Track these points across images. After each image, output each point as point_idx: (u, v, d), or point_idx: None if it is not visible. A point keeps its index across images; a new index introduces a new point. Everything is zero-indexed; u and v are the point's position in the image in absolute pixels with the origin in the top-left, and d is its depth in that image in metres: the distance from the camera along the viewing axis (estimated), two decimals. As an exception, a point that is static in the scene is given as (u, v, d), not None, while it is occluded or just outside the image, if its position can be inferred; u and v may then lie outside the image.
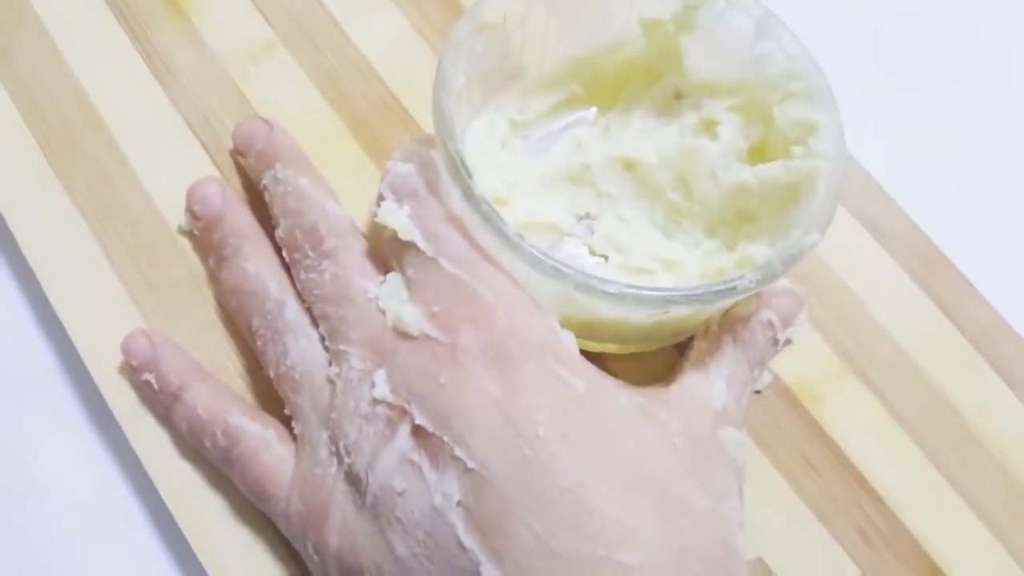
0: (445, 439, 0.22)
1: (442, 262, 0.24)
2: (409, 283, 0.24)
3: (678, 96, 0.31)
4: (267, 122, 0.30)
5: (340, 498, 0.24)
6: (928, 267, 0.32)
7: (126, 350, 0.27)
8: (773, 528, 0.28)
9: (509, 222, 0.24)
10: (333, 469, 0.24)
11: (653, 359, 0.29)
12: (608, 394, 0.24)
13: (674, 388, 0.26)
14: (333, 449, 0.24)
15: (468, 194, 0.24)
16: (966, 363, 0.31)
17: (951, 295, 0.32)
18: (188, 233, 0.29)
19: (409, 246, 0.24)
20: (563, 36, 0.30)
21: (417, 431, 0.23)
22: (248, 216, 0.28)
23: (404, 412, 0.23)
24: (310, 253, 0.26)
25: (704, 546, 0.22)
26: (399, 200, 0.25)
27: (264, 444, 0.25)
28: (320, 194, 0.27)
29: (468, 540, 0.21)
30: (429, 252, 0.24)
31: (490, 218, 0.24)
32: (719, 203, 0.29)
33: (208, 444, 0.26)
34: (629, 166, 0.30)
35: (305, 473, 0.25)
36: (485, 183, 0.29)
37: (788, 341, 0.30)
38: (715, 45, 0.29)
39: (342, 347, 0.25)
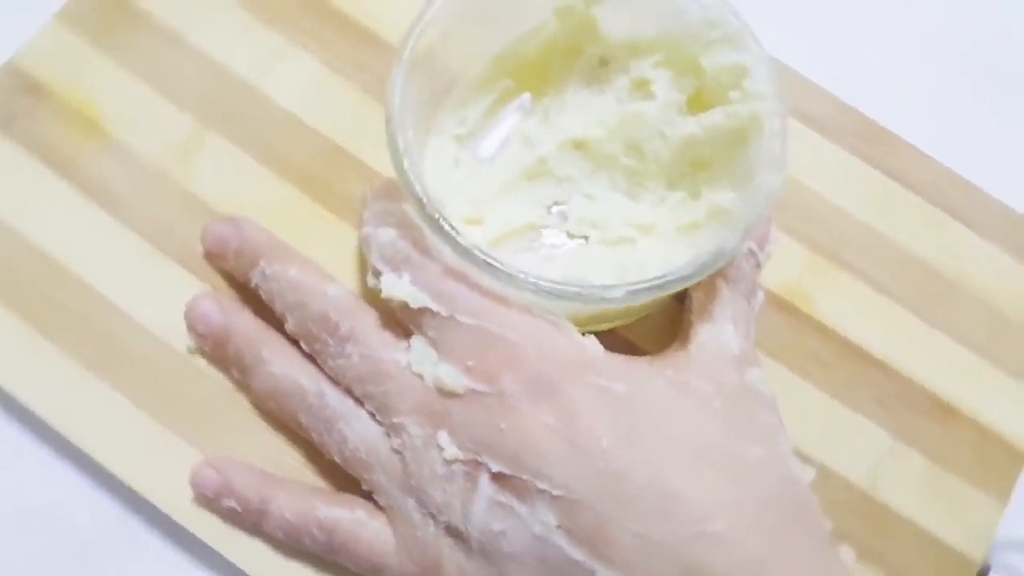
0: (524, 477, 0.24)
1: (459, 318, 0.25)
2: (434, 343, 0.26)
3: (603, 63, 0.31)
4: (231, 220, 0.30)
5: (448, 551, 0.25)
6: (866, 140, 0.34)
7: (196, 484, 0.28)
8: (806, 426, 0.31)
9: (503, 258, 0.25)
10: (432, 528, 0.26)
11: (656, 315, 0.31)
12: (644, 384, 0.26)
13: (692, 348, 0.27)
14: (424, 511, 0.26)
15: (460, 250, 0.25)
16: (926, 219, 0.34)
17: (895, 161, 0.34)
18: (199, 351, 0.30)
19: (423, 311, 0.26)
20: (483, 38, 0.30)
21: (496, 477, 0.24)
22: (252, 320, 0.29)
23: (478, 463, 0.25)
24: (330, 341, 0.27)
25: (771, 490, 0.25)
26: (395, 270, 0.26)
27: (359, 525, 0.27)
28: (315, 280, 0.28)
29: (577, 554, 0.24)
30: (444, 312, 0.25)
31: (487, 265, 0.25)
32: (672, 157, 0.30)
33: (308, 542, 0.27)
34: (579, 145, 0.31)
35: (407, 537, 0.26)
36: (454, 209, 0.30)
37: (768, 257, 0.32)
38: (626, 5, 0.30)
39: (395, 420, 0.26)
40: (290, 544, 0.28)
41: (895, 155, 0.34)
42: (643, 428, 0.25)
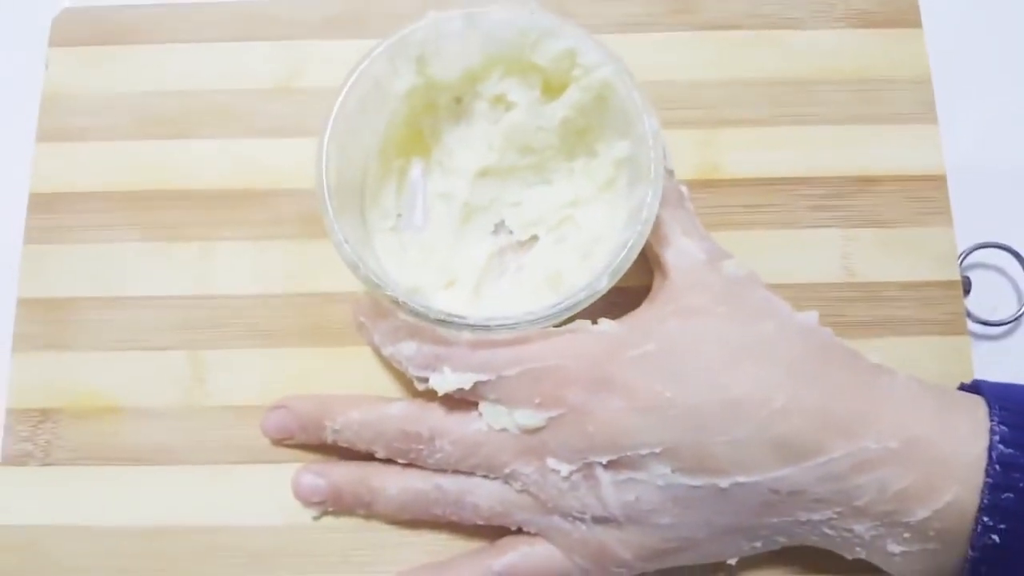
0: (628, 454, 0.29)
1: (505, 373, 0.30)
2: (499, 401, 0.30)
3: (458, 101, 0.35)
4: (279, 407, 0.34)
5: (605, 535, 0.30)
6: (678, 12, 0.39)
7: None
8: (776, 264, 0.36)
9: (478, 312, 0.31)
10: (584, 526, 0.30)
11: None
12: (662, 331, 0.30)
13: (672, 275, 0.31)
14: (570, 518, 0.31)
15: (454, 330, 0.30)
16: (755, 41, 0.38)
17: (706, 14, 0.39)
18: (324, 513, 0.34)
19: (475, 386, 0.30)
20: (364, 144, 0.34)
21: (608, 465, 0.30)
22: (349, 466, 0.33)
23: (589, 465, 0.30)
24: (420, 447, 0.32)
25: (797, 348, 0.30)
26: (435, 370, 0.31)
27: (529, 557, 0.31)
28: (377, 411, 0.32)
29: (697, 481, 0.29)
30: (491, 376, 0.30)
31: (479, 329, 0.30)
32: (559, 138, 0.35)
33: None
34: (484, 173, 0.35)
35: (568, 543, 0.31)
36: (429, 283, 0.34)
37: (670, 161, 0.35)
38: (448, 52, 0.33)
39: (507, 471, 0.31)
40: None
41: (703, 9, 0.39)
42: (684, 365, 0.30)
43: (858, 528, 0.29)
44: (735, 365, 0.30)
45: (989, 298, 0.38)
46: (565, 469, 0.30)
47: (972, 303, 0.37)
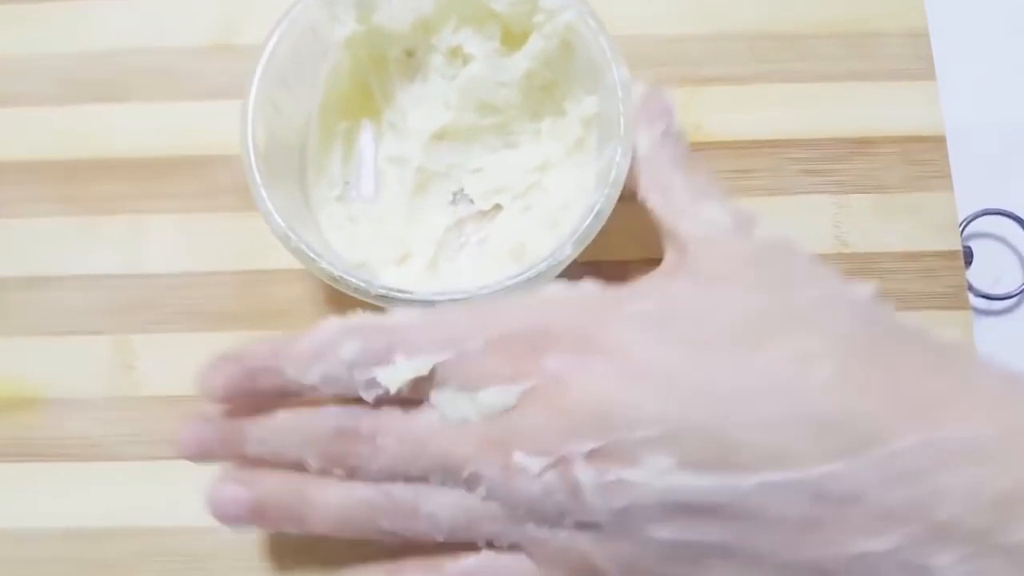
0: (617, 436, 0.22)
1: (468, 346, 0.24)
2: (461, 388, 0.24)
3: (410, 54, 0.32)
4: (197, 419, 0.27)
5: (589, 547, 0.24)
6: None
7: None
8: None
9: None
10: (563, 535, 0.24)
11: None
12: (667, 291, 0.25)
13: (692, 250, 0.26)
14: (546, 526, 0.24)
15: (399, 306, 0.26)
16: None
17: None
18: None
19: (433, 372, 0.25)
20: (300, 102, 0.31)
21: (592, 457, 0.23)
22: (278, 476, 0.27)
23: (565, 459, 0.23)
24: (360, 450, 0.25)
25: (846, 319, 0.23)
26: (386, 363, 0.25)
27: (493, 567, 0.25)
28: (307, 413, 0.26)
29: (708, 480, 0.22)
30: (452, 354, 0.24)
31: (426, 304, 0.26)
32: (522, 96, 0.31)
33: None
34: (440, 135, 0.32)
35: (545, 555, 0.25)
36: (380, 258, 0.31)
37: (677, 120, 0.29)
38: (394, 1, 0.30)
39: (466, 474, 0.25)
40: None
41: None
42: (693, 329, 0.23)
43: (940, 563, 0.21)
44: (763, 333, 0.23)
45: (991, 269, 0.35)
46: (536, 465, 0.23)
47: (973, 275, 0.34)
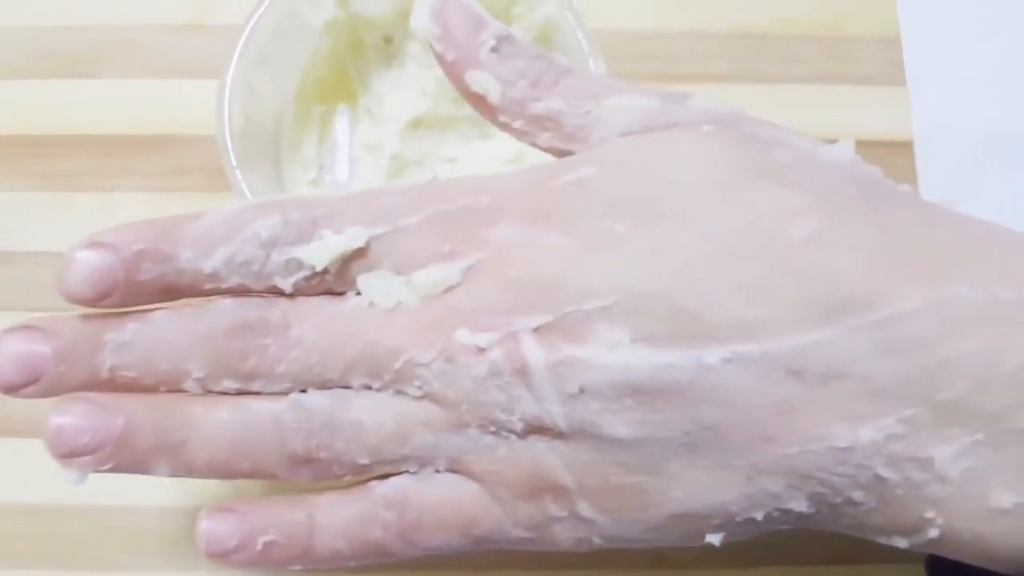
0: (568, 309, 0.20)
1: (404, 222, 0.21)
2: (395, 268, 0.21)
3: (388, 41, 0.32)
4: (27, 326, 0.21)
5: (541, 450, 0.20)
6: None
7: (211, 539, 0.22)
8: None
9: None
10: (512, 439, 0.21)
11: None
12: (615, 153, 0.21)
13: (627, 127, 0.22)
14: (492, 428, 0.21)
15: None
16: None
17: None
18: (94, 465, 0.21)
19: (365, 248, 0.21)
20: (277, 86, 0.31)
21: (540, 333, 0.20)
22: (145, 396, 0.21)
23: (514, 334, 0.20)
24: (269, 345, 0.21)
25: (827, 177, 0.20)
26: (310, 238, 0.21)
27: (428, 483, 0.22)
28: (194, 306, 0.22)
29: (670, 356, 0.19)
30: (387, 228, 0.21)
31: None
32: (499, 85, 0.31)
33: (379, 534, 0.21)
34: (416, 123, 0.32)
35: (491, 463, 0.21)
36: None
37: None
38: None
39: (397, 366, 0.21)
40: (356, 554, 0.22)
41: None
42: (641, 189, 0.20)
43: (942, 454, 0.18)
44: (729, 188, 0.20)
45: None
46: (483, 339, 0.20)
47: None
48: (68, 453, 0.20)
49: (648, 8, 0.36)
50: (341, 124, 0.33)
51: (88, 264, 0.20)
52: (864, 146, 0.35)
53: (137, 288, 0.21)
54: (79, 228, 0.32)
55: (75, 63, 0.34)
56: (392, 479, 0.22)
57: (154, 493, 0.31)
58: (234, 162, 0.26)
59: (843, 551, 0.30)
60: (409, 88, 0.32)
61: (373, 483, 0.22)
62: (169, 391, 0.21)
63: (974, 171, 0.36)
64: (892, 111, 0.35)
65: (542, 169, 0.22)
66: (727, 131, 0.21)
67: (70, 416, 0.20)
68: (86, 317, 0.21)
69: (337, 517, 0.22)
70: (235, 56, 0.27)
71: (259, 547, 0.21)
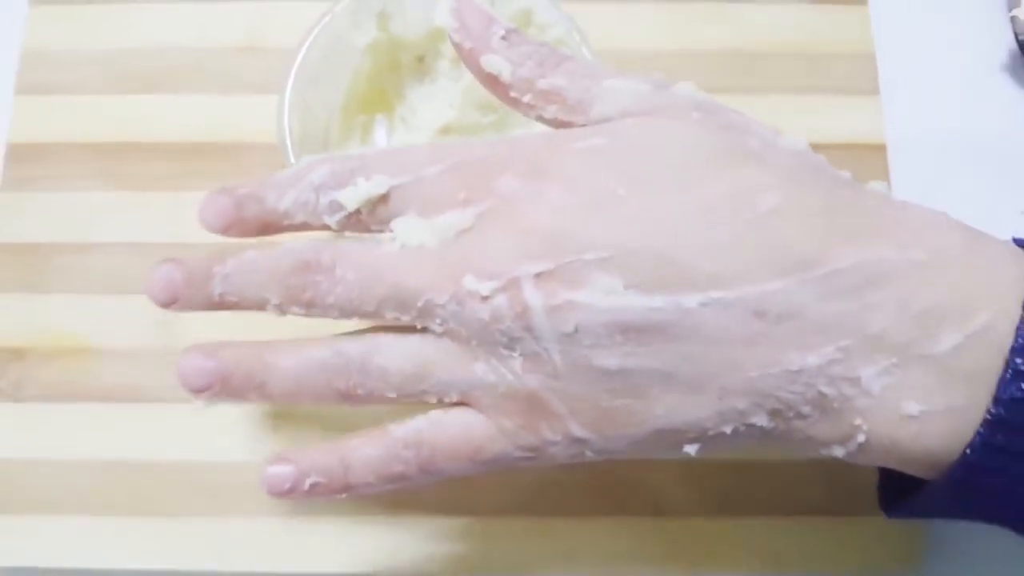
0: (568, 259, 0.23)
1: (425, 172, 0.25)
2: (421, 214, 0.25)
3: (420, 59, 0.37)
4: (167, 263, 0.26)
5: (539, 385, 0.24)
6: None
7: (273, 483, 0.26)
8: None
9: None
10: (511, 375, 0.24)
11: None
12: (623, 130, 0.25)
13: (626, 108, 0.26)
14: (496, 365, 0.24)
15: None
16: (707, 14, 0.40)
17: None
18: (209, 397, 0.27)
19: (391, 194, 0.25)
20: (325, 100, 0.35)
21: (540, 280, 0.23)
22: (238, 345, 0.27)
23: (516, 280, 0.23)
24: (321, 281, 0.25)
25: (790, 162, 0.25)
26: (347, 184, 0.25)
27: (440, 423, 0.26)
28: (273, 249, 0.26)
29: (657, 301, 0.23)
30: (409, 178, 0.25)
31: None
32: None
33: (400, 468, 0.26)
34: (445, 131, 0.37)
35: (494, 398, 0.25)
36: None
37: None
38: (409, 10, 0.35)
39: (420, 304, 0.24)
40: (384, 484, 0.26)
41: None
42: (642, 163, 0.24)
43: (867, 374, 0.23)
44: (711, 166, 0.24)
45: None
46: (486, 287, 0.24)
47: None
48: (191, 388, 0.26)
49: (649, 29, 0.40)
50: (380, 132, 0.37)
51: (216, 203, 0.26)
52: (842, 149, 0.40)
53: (245, 223, 0.26)
54: (151, 223, 0.38)
55: (148, 81, 0.40)
56: (409, 422, 0.26)
57: (224, 453, 0.35)
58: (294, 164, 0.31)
59: (821, 503, 0.34)
60: (439, 100, 0.37)
61: (392, 426, 0.26)
62: (258, 309, 0.27)
63: (941, 171, 0.40)
64: (867, 118, 0.39)
65: (559, 134, 0.26)
66: (710, 120, 0.25)
67: (189, 362, 0.26)
68: (206, 254, 0.27)
69: (365, 458, 0.26)
70: (291, 76, 0.32)
71: (307, 487, 0.26)
